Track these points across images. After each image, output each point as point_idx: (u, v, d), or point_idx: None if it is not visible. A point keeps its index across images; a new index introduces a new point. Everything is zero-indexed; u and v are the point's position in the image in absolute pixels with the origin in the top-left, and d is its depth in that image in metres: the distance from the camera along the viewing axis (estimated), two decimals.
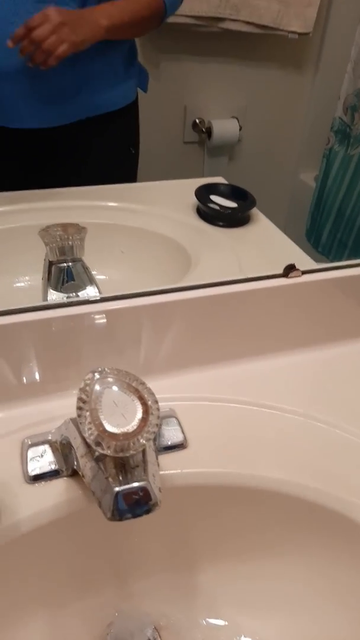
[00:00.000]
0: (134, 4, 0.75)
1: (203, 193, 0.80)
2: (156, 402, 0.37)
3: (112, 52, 0.82)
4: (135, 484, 0.36)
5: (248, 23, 1.25)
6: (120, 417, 0.36)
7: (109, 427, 0.36)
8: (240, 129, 1.41)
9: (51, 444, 0.47)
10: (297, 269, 0.54)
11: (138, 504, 0.36)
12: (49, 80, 0.78)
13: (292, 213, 1.42)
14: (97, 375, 0.38)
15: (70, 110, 0.81)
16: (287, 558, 0.50)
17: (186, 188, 0.84)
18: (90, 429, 0.37)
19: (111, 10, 0.71)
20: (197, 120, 1.39)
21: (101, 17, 0.69)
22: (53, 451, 0.47)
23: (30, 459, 0.46)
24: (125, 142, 0.95)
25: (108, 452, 0.36)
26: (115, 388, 0.38)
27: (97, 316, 0.51)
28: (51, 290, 0.60)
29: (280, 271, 0.57)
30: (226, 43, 1.29)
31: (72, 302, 0.52)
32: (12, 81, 0.77)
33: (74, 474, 0.45)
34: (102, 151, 0.89)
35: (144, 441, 0.36)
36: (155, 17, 0.78)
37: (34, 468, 0.46)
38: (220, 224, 0.77)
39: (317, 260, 0.70)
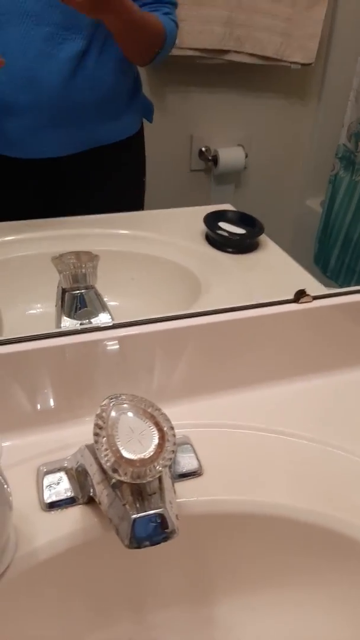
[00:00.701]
0: (148, 16, 0.78)
1: (211, 220, 0.82)
2: (172, 428, 0.38)
3: (117, 85, 0.85)
4: (153, 511, 0.36)
5: (251, 55, 1.28)
6: (137, 444, 0.36)
7: (126, 454, 0.36)
8: (246, 157, 1.44)
9: (67, 471, 0.47)
10: (308, 295, 0.55)
11: (156, 532, 0.36)
12: (56, 113, 0.80)
13: (299, 238, 1.44)
14: (113, 402, 0.38)
15: (76, 141, 0.84)
16: (306, 586, 0.49)
17: (194, 215, 0.85)
18: (107, 455, 0.37)
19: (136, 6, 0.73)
20: (203, 149, 1.42)
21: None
22: (69, 478, 0.47)
23: (46, 487, 0.46)
24: (132, 172, 0.97)
25: (125, 478, 0.36)
26: (131, 414, 0.38)
27: (110, 343, 0.52)
28: (64, 317, 0.61)
29: (291, 297, 0.58)
30: (230, 74, 1.33)
31: (85, 328, 0.53)
32: (22, 115, 0.80)
33: (90, 501, 0.45)
34: (109, 180, 0.91)
35: (160, 468, 0.36)
36: (158, 38, 0.82)
37: (50, 495, 0.46)
38: (229, 250, 0.78)
39: (326, 285, 0.71)
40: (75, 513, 0.45)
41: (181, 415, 0.52)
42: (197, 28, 1.21)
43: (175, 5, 0.84)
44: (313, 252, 1.43)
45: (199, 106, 1.36)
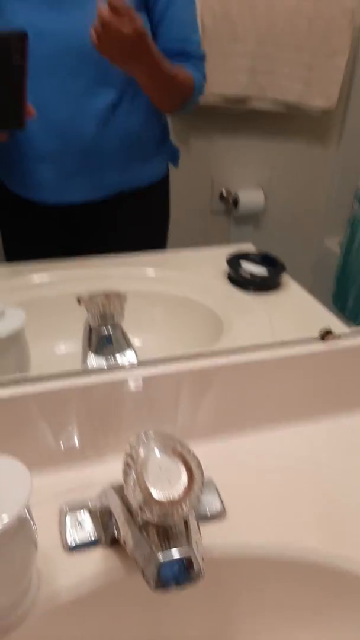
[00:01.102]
0: (178, 68, 0.82)
1: (234, 260, 0.83)
2: (199, 467, 0.37)
3: (146, 132, 0.89)
4: (180, 554, 0.36)
5: (273, 102, 1.33)
6: (166, 483, 0.36)
7: (155, 493, 0.36)
8: (265, 199, 1.46)
9: (90, 511, 0.47)
10: (334, 333, 0.55)
11: (182, 574, 0.36)
12: (86, 159, 0.84)
13: (318, 278, 1.44)
14: (142, 439, 0.39)
15: (104, 186, 0.87)
16: (335, 633, 0.47)
17: (217, 255, 0.87)
18: (135, 493, 0.37)
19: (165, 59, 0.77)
20: (224, 191, 1.46)
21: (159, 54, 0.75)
22: (92, 519, 0.46)
23: (69, 527, 0.46)
24: (157, 215, 1.00)
25: (152, 518, 0.36)
26: (159, 452, 0.38)
27: (135, 381, 0.52)
28: (91, 355, 0.62)
29: (315, 336, 0.58)
30: (252, 119, 1.37)
31: (111, 367, 0.53)
32: (53, 161, 0.83)
33: (113, 543, 0.45)
34: (134, 223, 0.94)
35: (188, 508, 0.36)
36: (187, 89, 0.86)
37: (73, 537, 0.45)
38: (252, 289, 0.79)
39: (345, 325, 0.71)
40: (98, 555, 0.44)
41: (205, 454, 0.51)
42: (221, 77, 1.26)
43: (203, 58, 0.89)
44: (332, 291, 1.43)
45: (220, 150, 1.40)
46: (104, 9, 0.64)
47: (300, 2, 1.23)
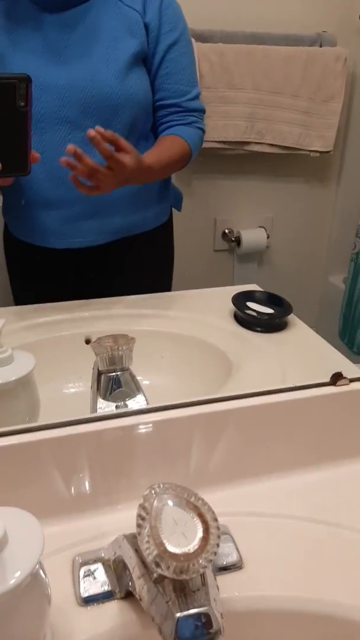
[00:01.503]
0: (168, 149, 0.85)
1: (240, 300, 0.84)
2: (216, 520, 0.37)
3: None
4: (197, 610, 0.35)
5: (272, 145, 1.37)
6: (181, 537, 0.36)
7: (170, 547, 0.35)
8: (268, 237, 1.49)
9: (103, 562, 0.46)
10: (345, 377, 0.55)
11: (200, 631, 0.35)
12: (90, 206, 0.86)
13: (323, 314, 1.45)
14: (155, 491, 0.38)
15: (109, 231, 0.89)
16: None
17: (223, 295, 0.87)
18: (149, 547, 0.36)
19: (155, 155, 0.80)
20: (227, 231, 1.49)
21: (150, 163, 0.77)
22: (105, 570, 0.45)
23: (82, 579, 0.45)
24: (161, 256, 1.02)
25: (168, 573, 0.36)
26: (174, 504, 0.38)
27: (146, 427, 0.52)
28: (100, 399, 0.62)
29: (324, 377, 0.58)
30: (252, 161, 1.41)
31: (121, 413, 0.53)
32: (59, 208, 0.86)
33: (128, 595, 0.44)
34: (139, 265, 0.96)
35: (205, 563, 0.35)
36: (184, 159, 0.88)
37: (87, 589, 0.44)
38: (259, 329, 0.79)
39: (353, 362, 0.71)
40: (113, 608, 0.43)
41: (219, 502, 0.51)
42: (221, 122, 1.31)
43: (202, 111, 0.91)
44: (338, 327, 1.44)
45: (222, 191, 1.44)
46: (88, 163, 0.68)
47: (295, 50, 1.28)
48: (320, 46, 1.31)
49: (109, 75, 0.79)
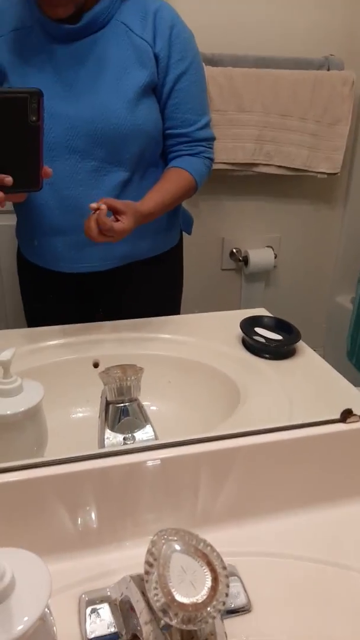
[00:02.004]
0: (171, 186, 0.86)
1: (248, 325, 0.83)
2: (224, 568, 0.37)
3: None
4: None
5: (280, 167, 1.38)
6: (189, 586, 0.35)
7: (179, 597, 0.35)
8: (275, 257, 1.49)
9: (110, 602, 0.46)
10: (355, 414, 0.55)
11: None
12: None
13: (331, 334, 1.45)
14: (164, 537, 0.38)
15: (118, 257, 0.90)
16: None
17: (230, 319, 0.87)
18: (157, 595, 0.36)
19: (157, 198, 0.82)
20: (234, 250, 1.49)
21: (150, 209, 0.81)
22: (112, 610, 0.45)
23: (88, 619, 0.45)
24: (170, 280, 1.02)
25: (175, 622, 0.35)
26: (182, 551, 0.37)
27: (153, 463, 0.52)
28: (108, 430, 0.61)
29: (333, 411, 0.58)
30: (260, 182, 1.42)
31: (128, 449, 0.53)
32: (68, 234, 0.86)
33: (134, 638, 0.43)
34: (147, 288, 0.96)
35: (213, 612, 0.35)
36: (189, 193, 0.89)
37: (93, 630, 0.44)
38: (267, 356, 0.79)
39: None
40: None
41: (225, 541, 0.50)
42: (230, 144, 1.32)
43: (212, 139, 0.91)
44: (346, 348, 1.43)
45: (229, 212, 1.45)
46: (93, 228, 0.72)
47: (303, 74, 1.30)
48: (328, 69, 1.32)
49: (118, 106, 0.79)
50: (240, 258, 1.47)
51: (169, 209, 0.87)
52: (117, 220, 0.73)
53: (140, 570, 0.39)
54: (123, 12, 0.80)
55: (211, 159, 0.91)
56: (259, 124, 1.30)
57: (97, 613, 0.45)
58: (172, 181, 0.85)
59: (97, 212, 0.70)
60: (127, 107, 0.79)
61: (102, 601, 0.46)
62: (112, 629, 0.44)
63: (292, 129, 1.32)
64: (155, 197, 0.81)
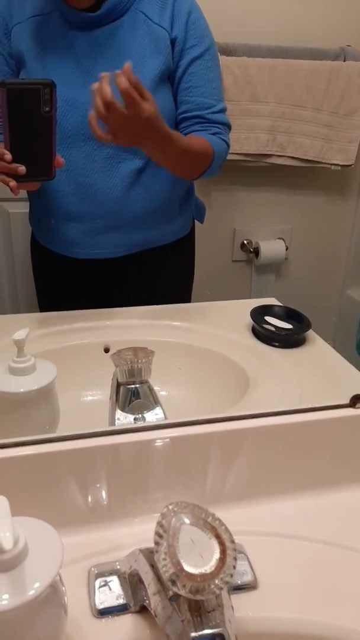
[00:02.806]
0: (190, 141, 0.82)
1: (258, 314, 0.84)
2: (232, 541, 0.37)
3: (170, 194, 0.92)
4: (212, 630, 0.36)
5: (293, 158, 1.37)
6: (198, 557, 0.36)
7: (187, 567, 0.36)
8: (286, 249, 1.49)
9: (119, 574, 0.47)
10: None
11: None
12: (113, 219, 0.87)
13: (341, 327, 1.45)
14: (174, 509, 0.39)
15: (131, 244, 0.90)
16: None
17: (241, 308, 0.88)
18: (166, 565, 0.37)
19: (176, 133, 0.77)
20: (245, 242, 1.49)
21: (170, 132, 0.73)
22: (121, 583, 0.46)
23: (98, 591, 0.46)
24: (182, 268, 1.03)
25: (184, 592, 0.36)
26: (192, 524, 0.38)
27: (163, 441, 0.53)
28: (119, 411, 0.62)
29: (343, 398, 0.58)
30: (272, 173, 1.42)
31: (139, 427, 0.54)
32: (83, 221, 0.87)
33: (142, 609, 0.44)
34: (160, 277, 0.96)
35: (221, 584, 0.36)
36: (205, 159, 0.85)
37: (102, 601, 0.45)
38: (276, 344, 0.79)
39: None
40: (127, 622, 0.44)
41: (234, 521, 0.51)
42: (243, 135, 1.31)
43: (227, 125, 0.89)
44: (356, 341, 1.43)
45: (241, 202, 1.45)
46: (107, 91, 0.63)
47: (318, 64, 1.29)
48: (344, 60, 1.31)
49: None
50: (251, 249, 1.47)
51: (184, 159, 0.81)
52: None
53: (150, 545, 0.40)
54: (142, 1, 0.81)
55: (228, 144, 0.89)
56: (272, 115, 1.30)
57: (107, 585, 0.46)
58: (191, 138, 0.83)
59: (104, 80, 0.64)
60: None
61: (111, 574, 0.47)
62: (121, 601, 0.45)
63: (306, 120, 1.32)
64: (178, 134, 0.78)
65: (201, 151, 0.83)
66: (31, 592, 0.36)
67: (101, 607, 0.45)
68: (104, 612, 0.45)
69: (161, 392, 0.69)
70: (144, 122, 0.67)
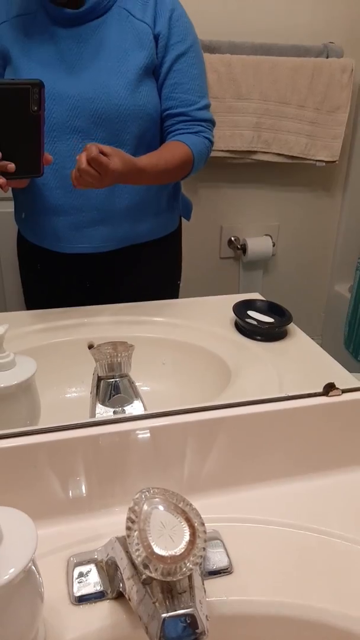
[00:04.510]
0: (167, 154, 0.85)
1: (241, 309, 0.85)
2: (203, 524, 0.38)
3: (157, 190, 0.92)
4: (183, 611, 0.36)
5: (279, 154, 1.38)
6: (168, 539, 0.37)
7: (157, 550, 0.37)
8: (273, 246, 1.50)
9: (97, 563, 0.47)
10: (337, 388, 0.56)
11: (185, 632, 0.36)
12: (99, 214, 0.88)
13: (328, 323, 1.46)
14: (145, 495, 0.40)
15: (117, 238, 0.91)
16: None
17: (224, 304, 0.89)
18: (138, 549, 0.37)
19: (151, 158, 0.81)
20: (233, 238, 1.50)
21: (143, 165, 0.78)
22: (98, 571, 0.47)
23: (76, 579, 0.47)
24: (169, 265, 1.03)
25: (155, 575, 0.37)
26: (162, 509, 0.39)
27: (142, 432, 0.54)
28: (99, 405, 0.63)
29: (320, 387, 0.59)
30: (258, 171, 1.43)
31: (119, 418, 0.55)
32: (69, 214, 0.88)
33: (119, 596, 0.45)
34: (147, 273, 0.97)
35: (191, 565, 0.37)
36: (186, 166, 0.87)
37: (80, 588, 0.46)
38: (258, 338, 0.80)
39: (357, 370, 0.71)
40: (105, 608, 0.45)
41: (211, 508, 0.52)
42: (228, 132, 1.32)
43: (211, 122, 0.91)
44: (343, 336, 1.44)
45: (228, 199, 1.46)
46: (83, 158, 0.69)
47: (302, 61, 1.30)
48: (327, 57, 1.32)
49: (119, 87, 0.81)
50: (239, 246, 1.48)
51: (162, 177, 0.86)
52: None
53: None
54: None
55: (211, 141, 0.91)
56: (257, 112, 1.31)
57: (84, 574, 0.47)
58: (168, 150, 0.85)
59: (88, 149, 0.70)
60: (128, 88, 0.81)
61: (89, 562, 0.48)
62: (99, 588, 0.46)
63: (291, 117, 1.33)
64: (150, 157, 0.81)
65: (179, 162, 0.85)
66: (5, 577, 0.36)
67: (79, 594, 0.46)
68: (82, 599, 0.45)
69: (144, 387, 0.70)
70: (117, 175, 0.72)
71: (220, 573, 0.47)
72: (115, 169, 0.70)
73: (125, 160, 0.73)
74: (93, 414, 0.61)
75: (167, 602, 0.37)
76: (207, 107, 0.90)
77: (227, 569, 0.47)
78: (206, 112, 0.90)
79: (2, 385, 0.58)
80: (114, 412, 0.61)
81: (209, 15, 1.20)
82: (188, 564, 0.37)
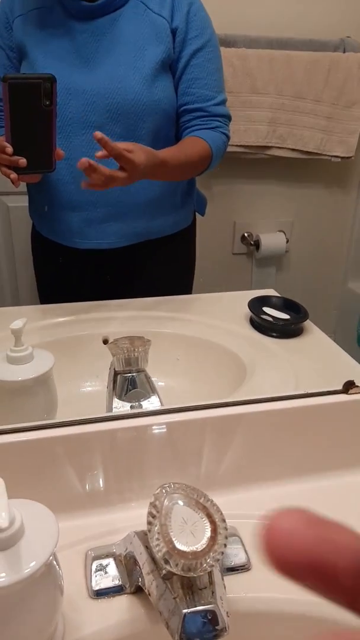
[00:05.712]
0: (187, 148, 0.84)
1: (256, 305, 0.84)
2: (224, 520, 0.38)
3: (171, 185, 0.92)
4: (204, 607, 0.36)
5: (293, 150, 1.37)
6: (190, 535, 0.37)
7: (179, 545, 0.37)
8: (287, 242, 1.49)
9: (115, 557, 0.47)
10: (357, 386, 0.56)
11: (206, 628, 0.36)
12: (114, 209, 0.88)
13: (342, 320, 1.45)
14: (166, 490, 0.39)
15: (131, 234, 0.90)
16: None
17: (240, 299, 0.88)
18: (159, 544, 0.37)
19: (172, 152, 0.80)
20: (246, 234, 1.49)
21: (164, 157, 0.76)
22: (117, 565, 0.47)
23: (94, 573, 0.47)
24: (183, 260, 1.03)
25: (176, 570, 0.37)
26: (183, 504, 0.39)
27: (159, 427, 0.53)
28: (116, 399, 0.63)
29: (338, 385, 0.59)
30: (273, 166, 1.42)
31: (135, 413, 0.55)
32: (83, 210, 0.87)
33: (138, 590, 0.45)
34: (161, 268, 0.97)
35: (212, 561, 0.36)
36: (204, 161, 0.87)
37: (98, 582, 0.46)
38: (274, 334, 0.80)
39: None
40: (123, 602, 0.45)
41: (229, 505, 0.52)
42: (243, 127, 1.31)
43: (228, 117, 0.90)
44: (356, 333, 1.43)
45: (242, 195, 1.45)
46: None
47: (318, 55, 1.29)
48: (344, 52, 1.31)
49: (135, 81, 0.80)
50: (252, 242, 1.47)
51: (183, 172, 0.85)
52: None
53: (145, 528, 0.40)
54: None
55: (228, 136, 0.90)
56: (272, 106, 1.30)
57: (103, 567, 0.47)
58: (187, 145, 0.84)
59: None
60: (144, 83, 0.80)
61: (107, 556, 0.48)
62: (117, 582, 0.46)
63: (306, 112, 1.31)
64: (170, 151, 0.80)
65: (198, 158, 0.85)
66: (27, 570, 0.37)
67: (97, 588, 0.46)
68: (100, 593, 0.45)
69: (159, 383, 0.70)
70: (142, 169, 0.70)
71: (238, 569, 0.47)
72: (140, 163, 0.69)
73: (147, 152, 0.71)
74: (110, 408, 0.61)
75: (188, 598, 0.37)
76: (224, 102, 0.89)
77: (245, 565, 0.47)
78: (223, 108, 0.89)
79: (20, 378, 0.58)
80: (131, 407, 0.61)
81: (225, 9, 1.19)
82: (209, 560, 0.36)
